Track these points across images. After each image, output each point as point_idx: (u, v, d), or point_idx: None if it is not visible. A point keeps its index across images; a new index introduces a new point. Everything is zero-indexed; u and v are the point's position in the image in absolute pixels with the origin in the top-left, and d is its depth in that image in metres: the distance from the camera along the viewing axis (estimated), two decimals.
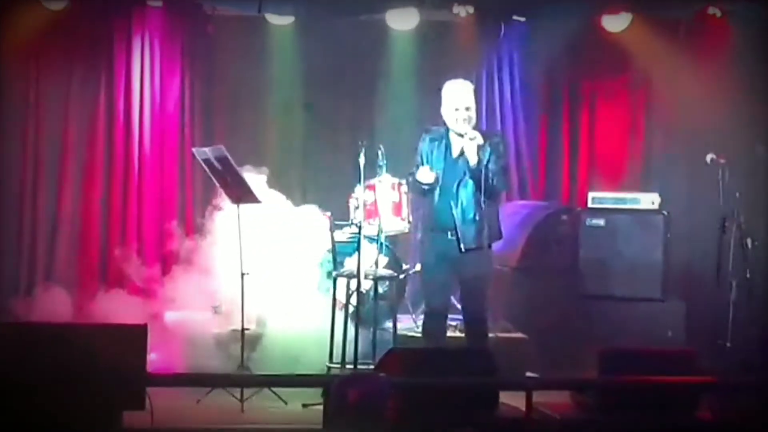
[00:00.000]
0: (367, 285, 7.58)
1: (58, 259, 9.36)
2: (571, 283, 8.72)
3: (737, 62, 9.21)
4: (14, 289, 9.08)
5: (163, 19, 9.58)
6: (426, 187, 6.95)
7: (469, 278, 7.00)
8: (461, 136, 6.94)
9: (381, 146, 7.70)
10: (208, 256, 8.28)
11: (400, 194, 7.70)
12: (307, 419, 6.64)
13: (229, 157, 7.42)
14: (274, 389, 6.96)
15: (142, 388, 5.80)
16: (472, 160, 6.85)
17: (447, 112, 7.03)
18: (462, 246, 6.91)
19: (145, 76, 9.56)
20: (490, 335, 7.29)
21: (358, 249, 7.28)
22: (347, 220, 7.93)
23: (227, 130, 9.55)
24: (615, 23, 9.64)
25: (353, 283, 7.33)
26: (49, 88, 9.46)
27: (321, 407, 6.20)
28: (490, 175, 6.86)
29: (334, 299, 7.49)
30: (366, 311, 7.47)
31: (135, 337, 5.93)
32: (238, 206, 7.48)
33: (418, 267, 7.56)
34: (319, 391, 6.48)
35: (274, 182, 8.40)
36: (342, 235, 7.98)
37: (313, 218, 8.26)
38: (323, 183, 9.31)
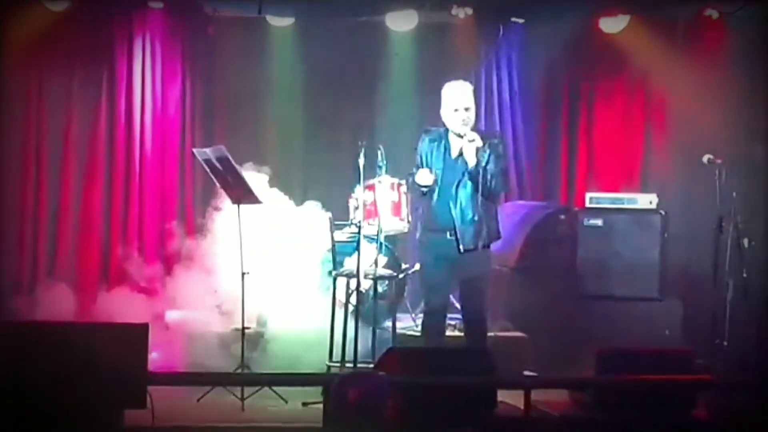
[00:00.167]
0: (366, 284, 7.61)
1: (59, 258, 9.38)
2: (569, 282, 8.74)
3: (734, 63, 9.22)
4: (17, 288, 9.09)
5: (164, 20, 9.60)
6: (425, 189, 6.99)
7: (468, 278, 7.03)
8: (460, 137, 6.97)
9: (381, 146, 7.73)
10: (209, 256, 8.31)
11: (399, 194, 7.73)
12: (307, 418, 6.67)
13: (230, 158, 7.44)
14: (274, 388, 6.99)
15: (143, 386, 5.80)
16: (471, 162, 6.88)
17: (446, 113, 7.06)
18: (461, 246, 6.94)
19: (146, 77, 9.58)
20: (489, 334, 7.31)
21: (357, 249, 7.31)
22: (347, 220, 7.97)
23: (228, 130, 9.57)
24: (613, 25, 9.66)
25: (353, 282, 7.36)
26: (50, 88, 9.47)
27: (321, 406, 6.23)
28: (489, 176, 6.89)
29: (334, 299, 7.52)
30: (365, 311, 7.50)
31: (136, 336, 5.94)
32: (238, 206, 7.51)
33: (417, 267, 7.59)
34: (319, 389, 6.51)
35: (275, 182, 8.43)
36: (342, 235, 8.01)
37: (314, 218, 8.29)
38: (324, 183, 9.33)
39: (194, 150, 8.00)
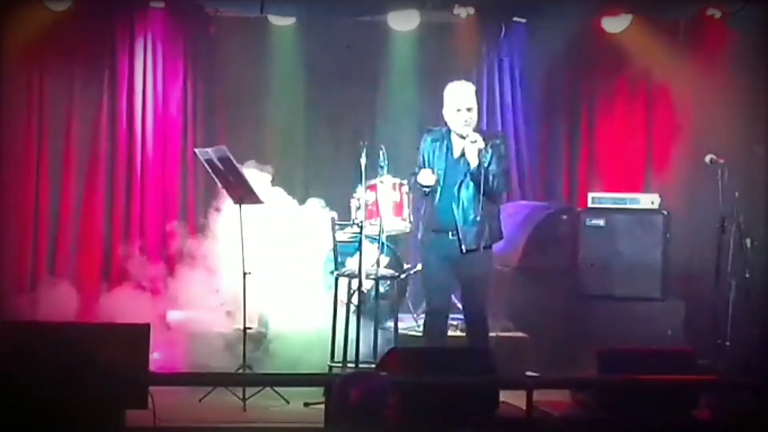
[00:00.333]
0: (368, 285, 7.61)
1: (60, 258, 9.37)
2: (571, 282, 8.74)
3: (736, 63, 9.22)
4: (18, 288, 9.09)
5: (166, 19, 9.59)
6: (427, 190, 6.99)
7: (470, 278, 7.03)
8: (463, 137, 6.97)
9: (382, 146, 7.73)
10: (211, 256, 8.30)
11: (401, 194, 7.74)
12: (308, 418, 6.65)
13: (231, 158, 7.44)
14: (276, 388, 6.99)
15: (144, 387, 5.81)
16: (473, 163, 6.87)
17: (449, 113, 7.06)
18: (463, 247, 6.93)
19: (147, 77, 9.57)
20: (491, 334, 7.32)
21: (359, 249, 7.30)
22: (349, 220, 7.96)
23: (229, 130, 9.58)
24: (615, 24, 9.65)
25: (355, 282, 7.36)
26: (51, 88, 9.47)
27: (322, 406, 6.23)
28: (491, 177, 6.88)
29: (336, 299, 7.51)
30: (367, 311, 7.49)
31: (138, 336, 5.94)
32: (240, 206, 7.50)
33: (419, 267, 7.59)
34: (320, 390, 6.51)
35: (277, 181, 8.43)
36: (343, 235, 8.01)
37: (317, 217, 8.29)
38: (325, 183, 9.33)
39: (196, 150, 8.00)
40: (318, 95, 9.72)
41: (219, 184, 7.77)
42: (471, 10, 9.56)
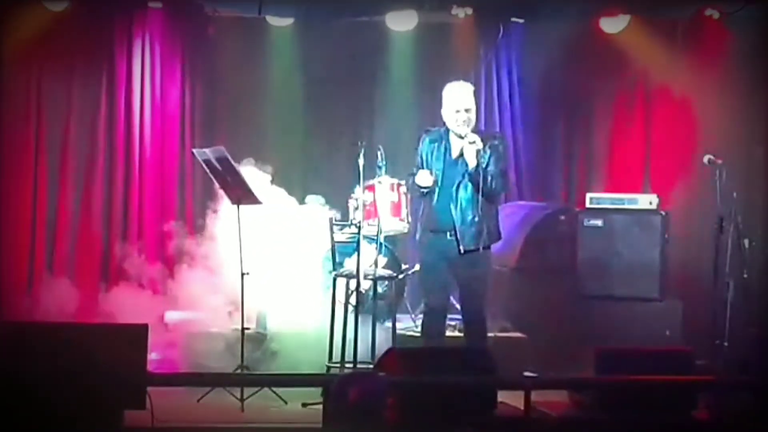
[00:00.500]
0: (366, 285, 7.61)
1: (59, 258, 9.38)
2: (570, 283, 8.74)
3: (734, 63, 9.24)
4: (16, 288, 9.09)
5: (164, 20, 9.60)
6: (424, 190, 6.99)
7: (468, 279, 7.03)
8: (461, 137, 6.97)
9: (380, 147, 7.73)
10: (210, 256, 8.29)
11: (399, 195, 7.74)
12: (306, 418, 6.65)
13: (230, 158, 7.44)
14: (274, 388, 6.99)
15: (142, 387, 5.82)
16: (471, 164, 6.87)
17: (447, 113, 7.06)
18: (461, 247, 6.94)
19: (145, 77, 9.58)
20: (489, 335, 7.33)
21: (357, 249, 7.30)
22: (347, 221, 7.96)
23: (228, 130, 9.58)
24: (613, 25, 9.66)
25: (353, 283, 7.35)
26: (50, 88, 9.47)
27: (321, 407, 6.23)
28: (490, 177, 6.89)
29: (334, 299, 7.51)
30: (365, 311, 7.49)
31: (136, 336, 5.95)
32: (238, 207, 7.50)
33: (417, 267, 7.59)
34: (318, 390, 6.51)
35: (276, 181, 8.42)
36: (342, 235, 8.00)
37: (315, 217, 8.28)
38: (324, 183, 9.32)
39: (194, 150, 8.00)
40: (316, 96, 9.72)
41: (217, 185, 7.77)
42: (469, 11, 9.57)
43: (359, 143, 7.37)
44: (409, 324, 8.29)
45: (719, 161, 7.94)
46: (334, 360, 7.35)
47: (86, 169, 9.52)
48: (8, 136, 9.31)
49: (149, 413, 5.88)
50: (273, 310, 8.07)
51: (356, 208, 7.69)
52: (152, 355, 6.81)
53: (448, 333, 7.64)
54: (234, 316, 7.78)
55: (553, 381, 6.90)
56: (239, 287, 7.41)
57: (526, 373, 7.48)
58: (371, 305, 7.48)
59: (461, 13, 9.58)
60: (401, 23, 9.69)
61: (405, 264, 8.35)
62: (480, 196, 6.89)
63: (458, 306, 7.27)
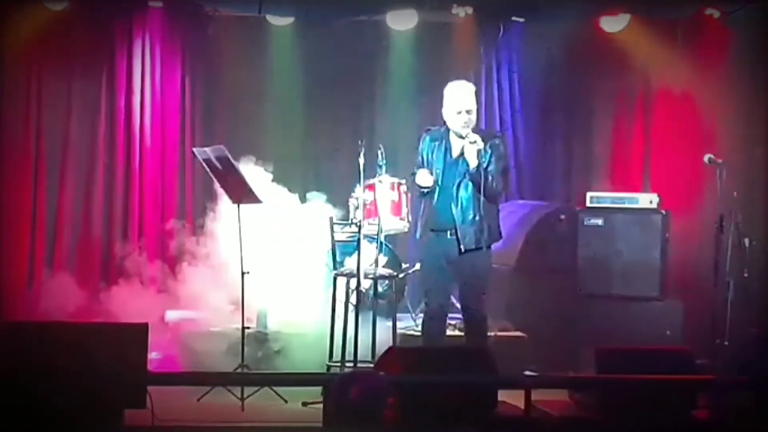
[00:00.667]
0: (366, 284, 7.61)
1: (60, 258, 9.38)
2: (570, 282, 8.74)
3: (735, 63, 9.24)
4: (16, 288, 9.09)
5: (164, 19, 9.60)
6: (424, 190, 6.99)
7: (468, 278, 7.03)
8: (462, 137, 6.97)
9: (381, 146, 7.73)
10: (210, 255, 8.29)
11: (399, 194, 7.74)
12: (307, 418, 6.65)
13: (230, 157, 7.43)
14: (274, 388, 6.99)
15: (143, 386, 5.83)
16: (472, 164, 6.87)
17: (448, 113, 7.05)
18: (462, 247, 6.94)
19: (145, 75, 9.58)
20: (489, 334, 7.33)
21: (357, 248, 7.30)
22: (347, 220, 7.96)
23: (228, 129, 9.58)
24: (613, 24, 9.66)
25: (353, 282, 7.35)
26: (50, 87, 9.47)
27: (321, 406, 6.23)
28: (490, 177, 6.88)
29: (334, 298, 7.51)
30: (366, 310, 7.49)
31: (136, 335, 5.96)
32: (238, 206, 7.50)
33: (417, 266, 7.59)
34: (319, 389, 6.51)
35: (276, 181, 8.42)
36: (342, 234, 8.00)
37: (316, 216, 8.28)
38: (324, 183, 9.33)
39: (194, 149, 7.99)
40: (316, 95, 9.72)
41: (217, 184, 7.77)
42: (469, 10, 9.57)
43: (359, 142, 7.37)
44: (410, 323, 8.29)
45: (720, 160, 7.93)
46: (334, 359, 7.35)
47: (87, 168, 9.52)
48: (8, 135, 9.31)
49: (149, 412, 5.89)
50: (273, 309, 8.07)
51: (357, 207, 7.69)
52: (153, 355, 6.80)
53: (449, 332, 7.64)
54: (234, 315, 7.78)
55: (553, 380, 6.90)
56: (240, 286, 7.40)
57: (527, 372, 7.49)
58: (372, 304, 7.48)
59: (461, 12, 9.59)
60: (402, 22, 9.69)
61: (405, 263, 8.35)
62: (481, 196, 6.89)
63: (458, 305, 7.27)
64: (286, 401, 7.03)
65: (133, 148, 9.53)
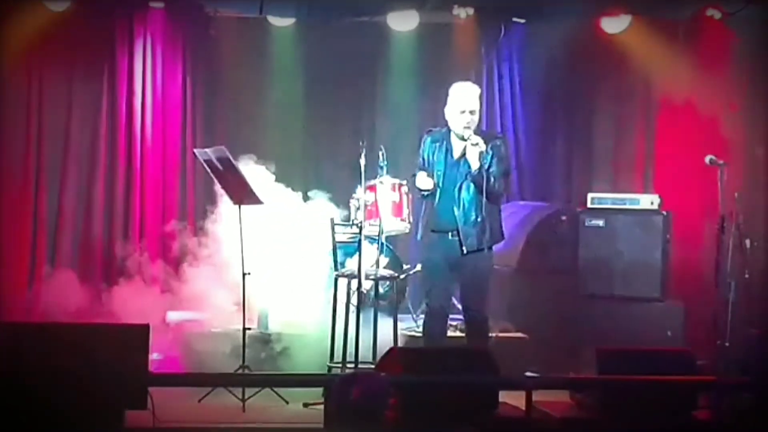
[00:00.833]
0: (367, 285, 7.61)
1: (60, 258, 9.38)
2: (571, 283, 8.74)
3: (736, 63, 9.23)
4: (16, 288, 9.09)
5: (165, 20, 9.61)
6: (425, 193, 7.00)
7: (469, 279, 7.03)
8: (463, 139, 6.97)
9: (382, 147, 7.73)
10: (212, 256, 8.29)
11: (400, 195, 7.73)
12: (308, 419, 6.65)
13: (231, 158, 7.43)
14: (275, 389, 6.98)
15: (144, 387, 5.82)
16: (474, 165, 6.87)
17: (452, 112, 7.05)
18: (464, 248, 6.94)
19: (147, 76, 9.59)
20: (491, 335, 7.33)
21: (358, 249, 7.30)
22: (348, 221, 7.96)
23: (229, 129, 9.59)
24: (614, 25, 9.66)
25: (354, 283, 7.35)
26: (51, 88, 9.48)
27: (322, 407, 6.23)
28: (492, 178, 6.89)
29: (335, 299, 7.51)
30: (367, 311, 7.49)
31: (137, 336, 5.96)
32: (239, 207, 7.50)
33: (418, 267, 7.59)
34: (320, 390, 6.51)
35: (279, 180, 8.42)
36: (343, 235, 8.00)
37: (317, 217, 8.28)
38: (325, 183, 9.30)
39: (195, 150, 7.99)
40: (317, 96, 9.73)
41: (218, 185, 7.77)
42: (470, 11, 9.58)
43: (360, 143, 7.37)
44: (411, 324, 8.30)
45: (721, 161, 7.92)
46: (335, 360, 7.35)
47: (88, 169, 9.53)
48: (10, 136, 9.32)
49: (150, 413, 5.89)
50: (274, 310, 8.07)
51: (358, 208, 7.69)
52: (154, 356, 6.80)
53: (450, 333, 7.65)
54: (236, 316, 7.77)
55: (554, 381, 6.90)
56: (241, 287, 7.40)
57: (528, 373, 7.49)
58: (373, 305, 7.48)
59: (462, 13, 9.59)
60: (402, 23, 9.70)
61: (406, 264, 8.35)
62: (482, 197, 6.89)
63: (460, 306, 7.27)
64: (287, 402, 7.02)
65: (134, 149, 9.54)
